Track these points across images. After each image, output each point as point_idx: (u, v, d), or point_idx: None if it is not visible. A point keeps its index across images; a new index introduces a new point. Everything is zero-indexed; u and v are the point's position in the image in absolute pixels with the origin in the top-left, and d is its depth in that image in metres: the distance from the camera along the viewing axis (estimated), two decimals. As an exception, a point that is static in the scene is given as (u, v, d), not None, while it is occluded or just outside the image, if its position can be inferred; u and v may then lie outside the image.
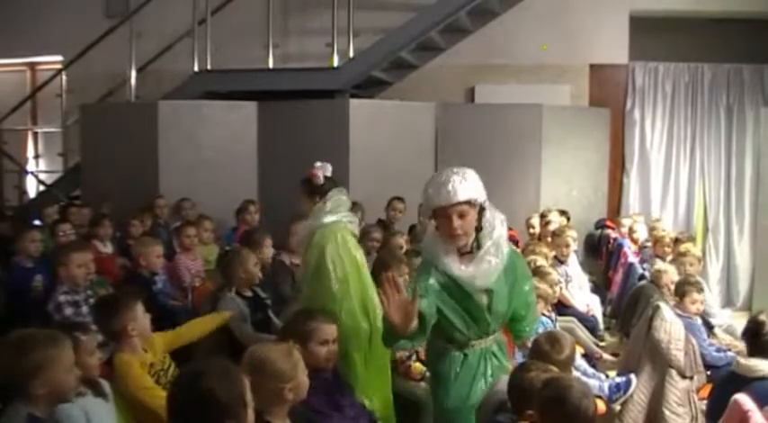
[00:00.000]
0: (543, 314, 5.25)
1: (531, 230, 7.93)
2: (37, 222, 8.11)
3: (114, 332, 3.82)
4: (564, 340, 3.84)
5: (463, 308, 3.50)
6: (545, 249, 6.78)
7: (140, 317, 3.87)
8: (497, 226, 3.56)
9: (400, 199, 7.85)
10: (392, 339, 3.34)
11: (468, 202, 3.42)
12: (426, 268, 3.51)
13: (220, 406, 2.45)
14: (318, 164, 4.80)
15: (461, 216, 3.40)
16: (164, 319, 5.38)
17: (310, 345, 3.74)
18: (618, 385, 4.81)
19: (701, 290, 5.63)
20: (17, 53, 11.41)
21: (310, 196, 4.68)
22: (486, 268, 3.47)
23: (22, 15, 10.97)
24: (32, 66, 11.88)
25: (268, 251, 6.02)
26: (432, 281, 3.43)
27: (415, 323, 3.14)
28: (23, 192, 10.87)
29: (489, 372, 3.62)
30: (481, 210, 3.50)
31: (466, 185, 3.41)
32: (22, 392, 2.84)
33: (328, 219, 4.54)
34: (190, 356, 4.29)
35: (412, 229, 7.15)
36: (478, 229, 3.49)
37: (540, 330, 4.79)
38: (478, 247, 3.50)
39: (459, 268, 3.45)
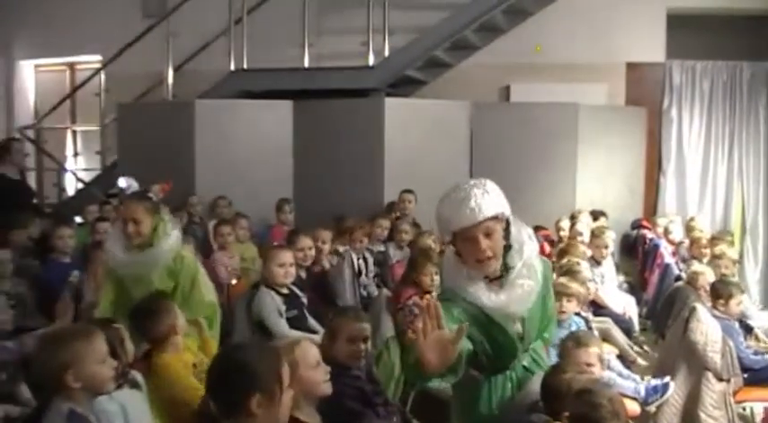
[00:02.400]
0: (576, 314, 5.22)
1: (562, 233, 7.86)
2: (78, 219, 8.24)
3: (158, 336, 3.82)
4: (590, 342, 3.83)
5: (491, 341, 3.01)
6: (581, 249, 6.73)
7: (180, 317, 3.89)
8: (526, 241, 3.07)
9: (410, 191, 7.87)
10: (421, 379, 2.79)
11: (495, 218, 2.93)
12: (450, 298, 2.96)
13: (253, 377, 2.49)
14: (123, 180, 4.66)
15: (488, 235, 2.91)
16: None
17: (338, 341, 3.76)
18: (655, 388, 4.76)
19: (742, 291, 5.57)
20: (57, 53, 11.59)
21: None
22: (521, 294, 2.98)
23: (61, 16, 11.11)
24: (71, 65, 12.03)
25: (309, 252, 5.92)
26: (457, 311, 2.88)
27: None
28: (62, 189, 11.01)
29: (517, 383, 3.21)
30: (507, 225, 3.01)
31: (489, 199, 2.94)
32: (60, 387, 2.85)
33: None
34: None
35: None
36: (507, 247, 3.00)
37: (573, 329, 4.79)
38: (506, 269, 3.00)
39: (489, 298, 2.94)
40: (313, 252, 5.76)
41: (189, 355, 3.91)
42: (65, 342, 2.89)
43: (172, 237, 4.50)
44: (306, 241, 5.74)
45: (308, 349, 3.19)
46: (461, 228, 2.91)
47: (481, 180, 3.03)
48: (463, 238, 2.93)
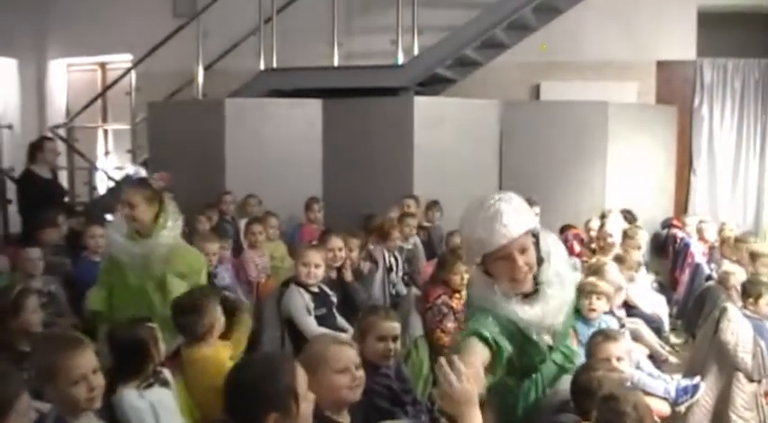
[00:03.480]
0: (609, 313, 5.19)
1: (591, 232, 7.80)
2: (110, 217, 8.31)
3: (200, 332, 3.85)
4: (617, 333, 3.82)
5: (521, 353, 2.96)
6: (616, 253, 6.68)
7: (220, 314, 3.92)
8: (553, 249, 3.04)
9: (413, 196, 7.97)
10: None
11: (527, 232, 2.89)
12: (482, 315, 2.87)
13: (267, 397, 2.44)
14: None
15: (523, 251, 2.85)
16: (226, 313, 5.51)
17: (368, 340, 3.76)
18: (686, 389, 4.72)
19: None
20: (88, 52, 11.71)
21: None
22: (555, 306, 2.94)
23: (92, 16, 11.22)
24: (103, 65, 12.15)
25: (339, 253, 5.92)
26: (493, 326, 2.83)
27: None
28: (94, 188, 11.12)
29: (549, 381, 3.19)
30: (536, 238, 2.97)
31: (520, 213, 2.87)
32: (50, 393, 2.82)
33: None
34: (255, 349, 4.37)
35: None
36: (539, 260, 2.95)
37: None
38: (538, 282, 2.95)
39: (524, 312, 2.87)
40: (343, 253, 5.74)
41: (228, 351, 3.94)
42: (47, 353, 2.86)
43: (170, 230, 4.54)
44: (336, 242, 5.72)
45: (340, 353, 3.11)
46: (498, 246, 2.81)
47: (506, 194, 2.94)
48: (497, 257, 2.85)
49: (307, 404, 2.55)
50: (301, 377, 2.55)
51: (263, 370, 2.51)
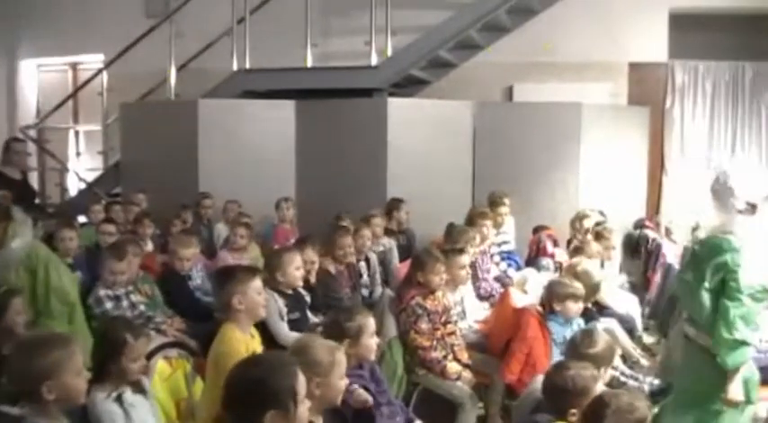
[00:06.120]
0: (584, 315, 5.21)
1: (580, 230, 7.74)
2: (82, 219, 8.25)
3: (222, 302, 3.89)
4: (596, 336, 3.82)
5: None
6: (596, 249, 6.70)
7: (250, 294, 3.88)
8: None
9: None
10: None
11: None
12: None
13: (267, 394, 2.49)
14: None
15: None
16: (200, 315, 5.49)
17: (364, 338, 3.79)
18: (661, 389, 4.76)
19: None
20: (60, 52, 11.61)
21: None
22: None
23: (64, 16, 11.14)
24: (74, 65, 12.05)
25: (312, 254, 5.92)
26: None
27: None
28: (65, 189, 11.02)
29: None
30: None
31: None
32: (33, 396, 2.78)
33: None
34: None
35: (450, 227, 7.13)
36: None
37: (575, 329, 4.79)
38: None
39: None
40: (316, 265, 5.78)
41: (255, 342, 3.93)
42: (43, 352, 2.83)
43: (21, 236, 4.59)
44: (311, 255, 5.72)
45: (343, 360, 3.20)
46: None
47: None
48: None
49: (303, 407, 2.59)
50: (301, 380, 2.60)
51: (266, 369, 2.57)
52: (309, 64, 8.83)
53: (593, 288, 5.38)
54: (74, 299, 4.89)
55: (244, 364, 2.67)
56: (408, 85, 9.37)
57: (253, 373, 2.56)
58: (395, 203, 7.85)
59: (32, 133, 10.71)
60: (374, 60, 8.52)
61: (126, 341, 3.41)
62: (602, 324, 5.82)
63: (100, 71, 10.33)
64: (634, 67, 9.85)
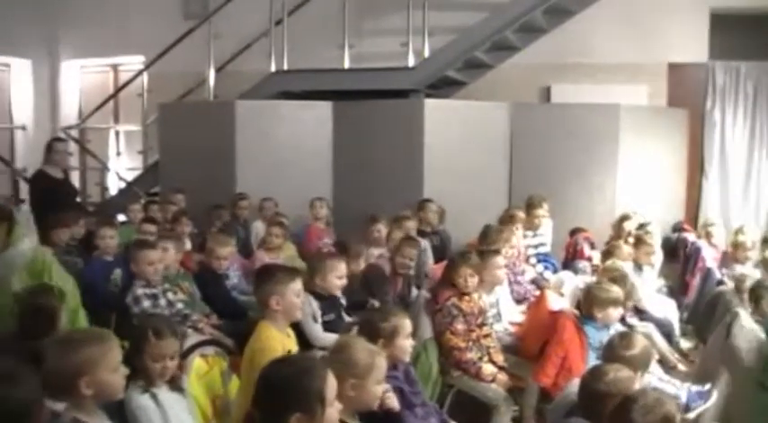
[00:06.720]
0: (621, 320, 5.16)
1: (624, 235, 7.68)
2: (122, 217, 8.36)
3: (260, 301, 3.92)
4: (635, 339, 3.79)
5: None
6: (626, 252, 6.64)
7: (289, 296, 3.88)
8: None
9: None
10: None
11: None
12: None
13: (294, 396, 2.51)
14: None
15: None
16: (236, 314, 5.53)
17: (398, 340, 3.78)
18: (699, 394, 4.69)
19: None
20: (101, 54, 11.77)
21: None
22: None
23: (105, 18, 11.29)
24: (115, 66, 12.21)
25: (361, 263, 5.97)
26: None
27: None
28: (105, 188, 11.17)
29: None
30: None
31: None
32: (71, 392, 2.80)
33: None
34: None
35: (486, 228, 7.12)
36: None
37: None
38: None
39: None
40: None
41: (290, 342, 3.93)
42: (79, 347, 2.84)
43: (26, 239, 4.61)
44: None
45: (383, 365, 3.19)
46: None
47: None
48: None
49: (332, 410, 2.60)
50: (331, 383, 2.61)
51: (296, 370, 2.59)
52: (346, 65, 8.87)
53: (628, 292, 5.33)
54: (75, 305, 4.90)
55: (274, 365, 2.69)
56: (443, 87, 9.36)
57: (281, 374, 2.58)
58: (421, 204, 7.85)
59: (74, 133, 10.89)
60: (411, 62, 8.52)
61: (147, 339, 3.41)
62: (640, 328, 5.78)
63: (140, 72, 10.46)
64: (674, 67, 9.75)
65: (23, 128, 11.82)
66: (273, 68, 9.06)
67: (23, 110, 11.90)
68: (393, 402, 3.51)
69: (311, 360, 2.80)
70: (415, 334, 4.26)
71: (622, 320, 5.29)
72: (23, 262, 4.61)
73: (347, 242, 6.39)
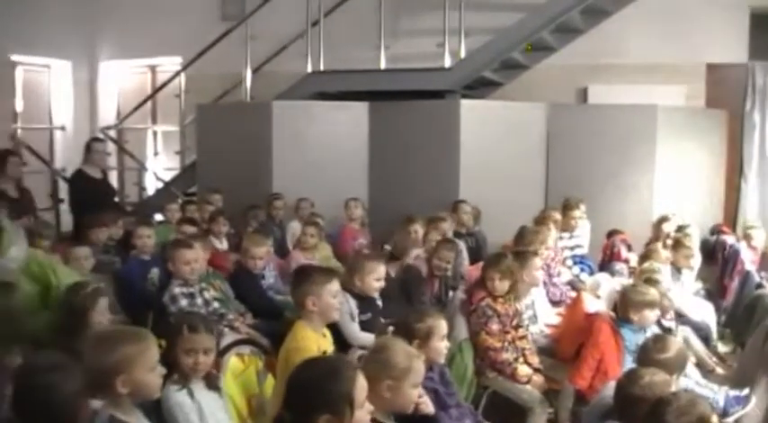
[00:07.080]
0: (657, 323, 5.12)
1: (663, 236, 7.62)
2: (159, 217, 8.45)
3: (296, 301, 3.95)
4: (669, 342, 3.76)
5: None
6: (664, 255, 6.59)
7: (325, 297, 3.90)
8: None
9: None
10: None
11: None
12: None
13: (323, 398, 2.52)
14: None
15: None
16: (272, 313, 5.56)
17: (433, 341, 3.80)
18: (737, 398, 4.63)
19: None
20: (139, 55, 11.90)
21: None
22: None
23: (142, 19, 11.40)
24: (153, 67, 12.33)
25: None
26: None
27: None
28: (143, 188, 11.29)
29: None
30: None
31: None
32: (108, 390, 2.82)
33: None
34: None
35: (522, 230, 7.09)
36: None
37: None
38: None
39: None
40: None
41: (325, 342, 3.95)
42: (116, 346, 2.86)
43: (17, 245, 4.63)
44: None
45: (420, 369, 3.19)
46: None
47: None
48: None
49: (362, 412, 2.61)
50: (361, 385, 2.61)
51: (323, 372, 2.60)
52: (382, 66, 8.88)
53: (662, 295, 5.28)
54: None
55: (305, 366, 2.70)
56: (479, 87, 9.34)
57: (311, 375, 2.60)
58: (456, 205, 7.85)
59: (112, 134, 11.02)
60: (447, 62, 8.51)
61: (181, 333, 3.44)
62: (678, 332, 5.72)
63: (177, 73, 10.56)
64: (712, 68, 9.63)
65: (63, 128, 12.00)
66: (310, 69, 9.10)
67: (63, 110, 12.07)
68: (428, 408, 3.51)
69: (340, 362, 2.80)
70: (450, 335, 4.26)
71: (659, 323, 5.25)
72: (18, 268, 4.64)
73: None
